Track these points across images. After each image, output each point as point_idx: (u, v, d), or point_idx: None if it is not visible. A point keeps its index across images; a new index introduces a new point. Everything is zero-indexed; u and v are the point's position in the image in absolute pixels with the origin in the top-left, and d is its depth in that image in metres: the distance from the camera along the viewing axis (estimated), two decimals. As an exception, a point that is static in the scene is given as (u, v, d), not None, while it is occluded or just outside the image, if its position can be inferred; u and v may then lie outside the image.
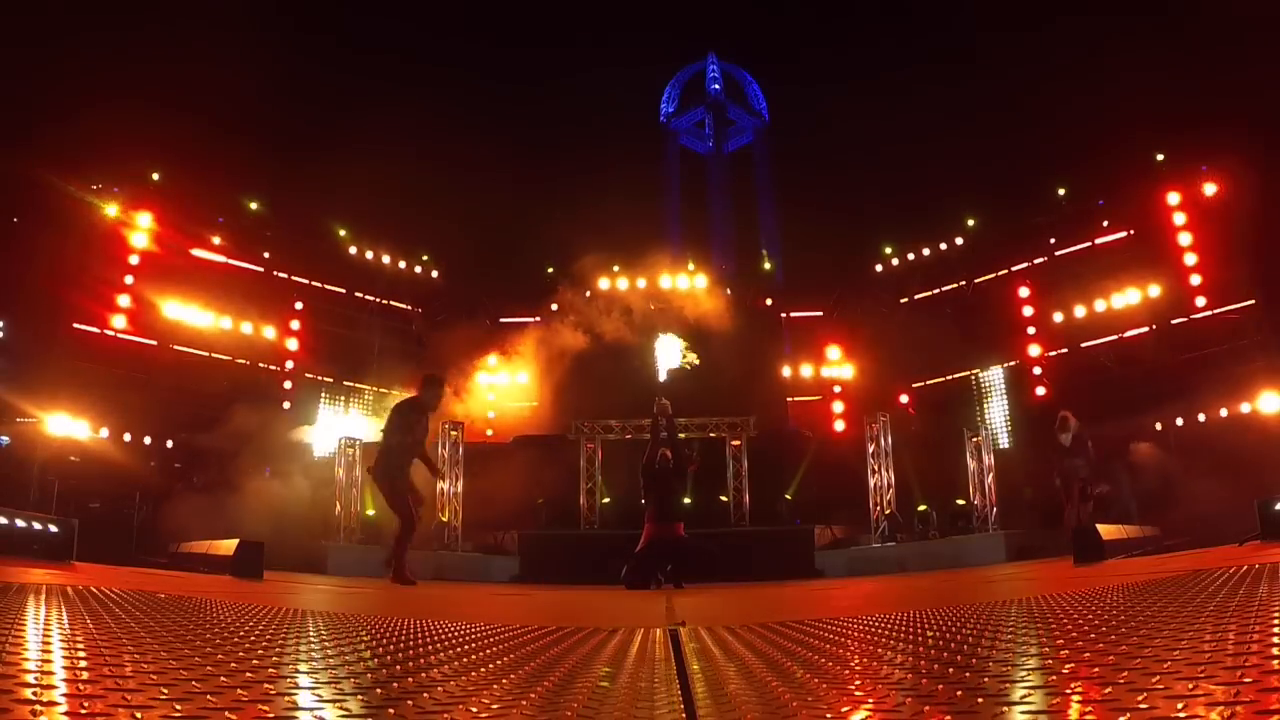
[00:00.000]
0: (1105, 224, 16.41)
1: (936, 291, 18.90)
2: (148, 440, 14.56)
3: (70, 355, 14.04)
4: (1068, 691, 0.89)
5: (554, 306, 18.41)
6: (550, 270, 19.25)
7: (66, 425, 12.74)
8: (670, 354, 17.70)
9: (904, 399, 18.67)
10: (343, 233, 18.46)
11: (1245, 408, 13.26)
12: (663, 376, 17.43)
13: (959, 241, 18.34)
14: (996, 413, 17.66)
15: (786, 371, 19.27)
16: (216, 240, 16.39)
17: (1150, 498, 12.46)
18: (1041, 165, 17.75)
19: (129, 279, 14.91)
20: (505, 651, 1.54)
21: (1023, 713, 0.80)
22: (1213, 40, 14.38)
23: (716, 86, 39.91)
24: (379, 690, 1.05)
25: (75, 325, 14.28)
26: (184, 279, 15.65)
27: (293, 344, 17.27)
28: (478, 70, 36.61)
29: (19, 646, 1.25)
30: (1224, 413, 13.63)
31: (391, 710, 0.91)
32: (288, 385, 17.00)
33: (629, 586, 7.94)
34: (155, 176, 15.52)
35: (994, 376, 17.86)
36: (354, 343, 18.46)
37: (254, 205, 17.09)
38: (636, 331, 17.63)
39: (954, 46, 29.39)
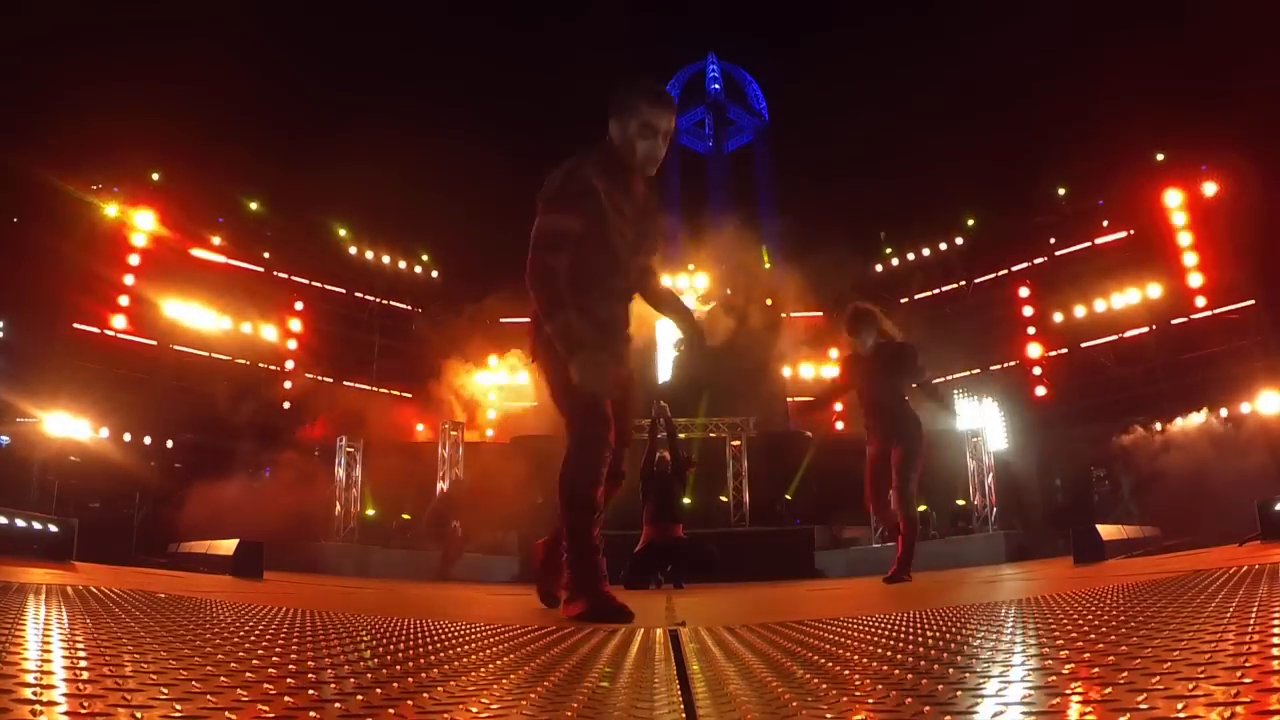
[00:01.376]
0: (1105, 224, 16.42)
1: (936, 291, 18.90)
2: (148, 440, 14.56)
3: (70, 355, 14.05)
4: (1068, 692, 0.89)
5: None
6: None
7: (66, 425, 12.74)
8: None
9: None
10: (343, 233, 18.46)
11: (1245, 408, 13.27)
12: (670, 355, 17.27)
13: (959, 241, 18.35)
14: (996, 413, 17.65)
15: (786, 371, 19.27)
16: (216, 240, 16.40)
17: (1150, 498, 12.47)
18: (1041, 165, 17.75)
19: (129, 279, 14.93)
20: (505, 651, 1.54)
21: (1023, 713, 0.80)
22: (1213, 40, 14.38)
23: (716, 86, 39.90)
24: (379, 690, 1.05)
25: (75, 325, 14.30)
26: (184, 279, 15.67)
27: (293, 344, 17.28)
28: (477, 69, 36.64)
29: (19, 646, 1.25)
30: (1224, 413, 13.63)
31: (391, 710, 0.91)
32: (288, 385, 17.00)
33: (628, 586, 7.94)
34: (155, 176, 15.53)
35: (994, 376, 17.86)
36: (354, 343, 18.47)
37: (254, 205, 17.10)
38: (636, 332, 17.63)
39: (954, 46, 29.37)
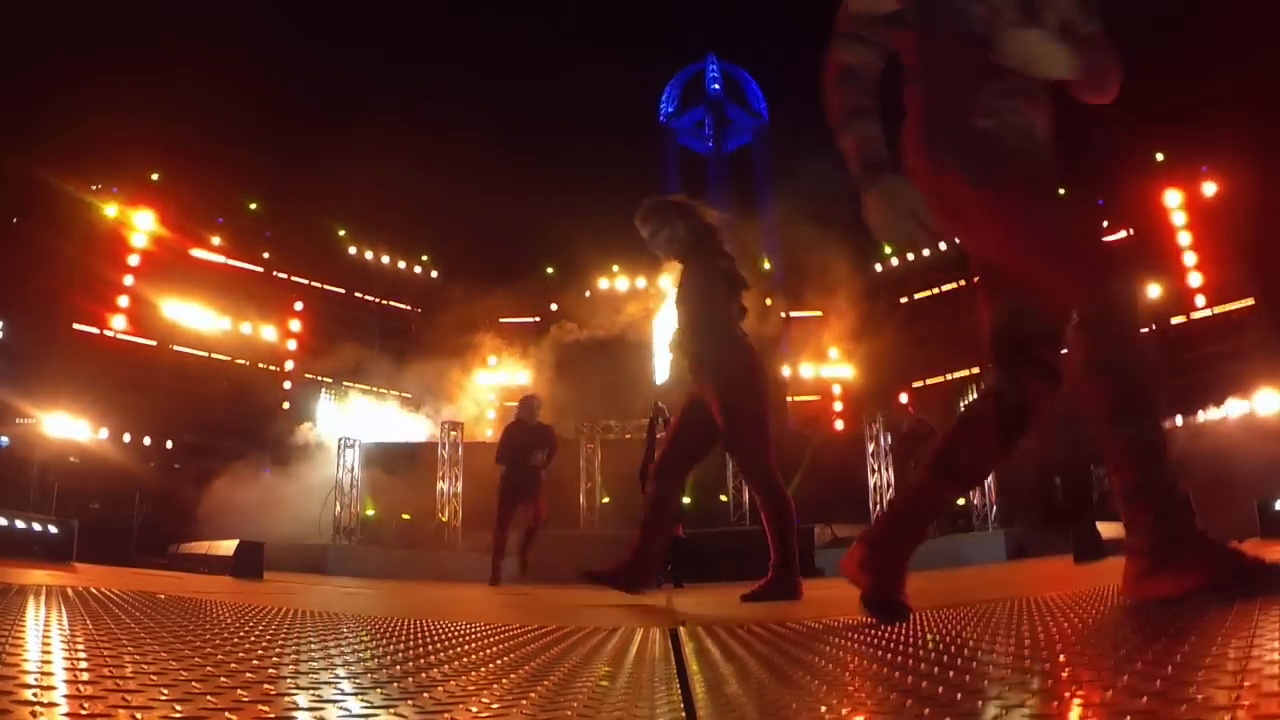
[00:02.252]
0: (1105, 224, 16.42)
1: (936, 291, 18.91)
2: (147, 440, 14.57)
3: (70, 355, 14.07)
4: (1068, 695, 0.89)
5: (553, 306, 18.41)
6: (550, 271, 19.25)
7: (66, 426, 12.74)
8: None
9: (904, 399, 18.67)
10: (342, 233, 18.48)
11: (1245, 407, 13.27)
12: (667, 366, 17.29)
13: (959, 241, 18.35)
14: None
15: (786, 371, 19.27)
16: (216, 240, 16.41)
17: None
18: (1041, 165, 17.70)
19: (129, 279, 14.94)
20: (505, 651, 1.54)
21: (1024, 716, 0.80)
22: (1213, 40, 14.37)
23: (716, 86, 39.93)
24: (379, 690, 1.05)
25: (75, 325, 14.31)
26: (184, 279, 15.68)
27: (293, 344, 17.29)
28: (477, 70, 36.62)
29: (19, 647, 1.25)
30: (1224, 413, 13.63)
31: (392, 710, 0.91)
32: (288, 385, 17.01)
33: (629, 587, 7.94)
34: (155, 176, 15.55)
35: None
36: (354, 343, 18.48)
37: (254, 205, 17.12)
38: (636, 331, 17.63)
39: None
